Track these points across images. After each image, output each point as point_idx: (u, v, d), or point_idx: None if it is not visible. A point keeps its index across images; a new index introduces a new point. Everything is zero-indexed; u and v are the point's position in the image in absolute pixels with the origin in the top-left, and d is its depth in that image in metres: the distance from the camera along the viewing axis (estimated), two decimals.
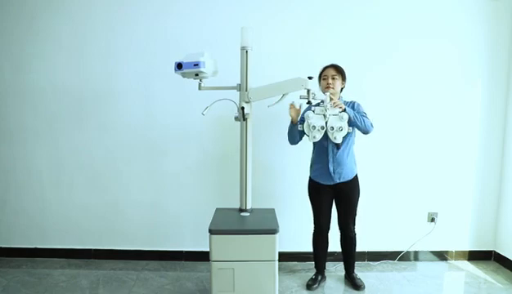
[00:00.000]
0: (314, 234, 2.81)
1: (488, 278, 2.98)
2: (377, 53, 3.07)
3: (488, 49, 3.12)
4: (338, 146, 2.54)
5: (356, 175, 2.67)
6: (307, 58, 3.03)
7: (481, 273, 3.06)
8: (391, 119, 3.14)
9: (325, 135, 2.42)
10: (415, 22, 3.07)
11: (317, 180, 2.67)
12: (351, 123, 2.42)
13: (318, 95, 2.40)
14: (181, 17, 3.04)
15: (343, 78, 2.62)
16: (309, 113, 2.37)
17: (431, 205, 3.23)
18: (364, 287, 2.76)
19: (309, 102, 2.34)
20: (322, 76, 2.62)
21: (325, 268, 2.89)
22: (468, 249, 3.29)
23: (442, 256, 3.29)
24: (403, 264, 3.21)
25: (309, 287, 2.77)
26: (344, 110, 2.39)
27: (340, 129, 2.34)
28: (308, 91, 2.31)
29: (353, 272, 2.84)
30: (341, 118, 2.34)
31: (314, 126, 2.34)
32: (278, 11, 3.04)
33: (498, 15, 3.09)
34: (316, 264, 2.86)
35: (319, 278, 2.83)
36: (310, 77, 2.31)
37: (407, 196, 3.21)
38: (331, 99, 2.40)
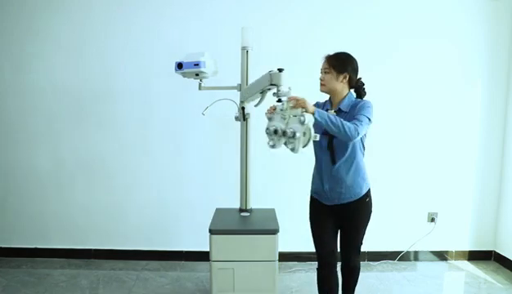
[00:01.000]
0: (318, 270, 2.14)
1: (488, 278, 2.98)
2: (377, 53, 3.07)
3: (488, 49, 3.12)
4: (333, 160, 1.98)
5: (363, 197, 2.04)
6: (307, 58, 3.02)
7: (481, 273, 3.06)
8: (391, 119, 3.13)
9: (319, 145, 1.99)
10: (415, 22, 3.07)
11: (316, 198, 2.14)
12: (319, 129, 1.87)
13: (283, 90, 1.97)
14: (181, 17, 3.04)
15: (341, 71, 1.97)
16: (274, 113, 1.91)
17: (431, 205, 3.23)
18: None
19: (279, 100, 1.94)
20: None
21: None
22: (468, 249, 3.29)
23: (442, 256, 3.29)
24: (403, 264, 3.21)
25: None
26: (313, 111, 1.78)
27: (294, 136, 1.74)
28: (277, 86, 1.95)
29: None
30: (300, 121, 1.73)
31: (268, 130, 1.87)
32: (278, 10, 3.04)
33: (498, 15, 3.09)
34: None
35: None
36: (280, 70, 1.95)
37: (407, 196, 3.21)
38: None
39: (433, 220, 3.23)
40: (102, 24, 3.05)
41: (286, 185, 3.16)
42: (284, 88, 1.95)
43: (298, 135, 1.74)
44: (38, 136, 3.14)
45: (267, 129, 1.87)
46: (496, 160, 3.22)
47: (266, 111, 1.95)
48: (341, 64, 1.99)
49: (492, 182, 3.24)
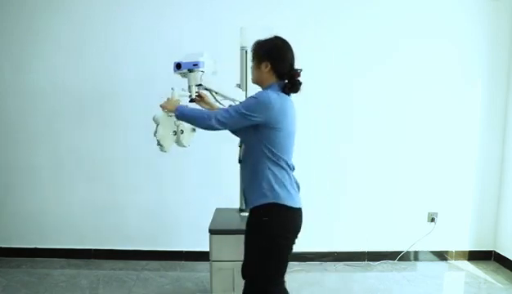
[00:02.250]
0: None
1: (488, 278, 2.97)
2: (377, 53, 3.07)
3: (488, 49, 3.12)
4: (239, 159, 1.95)
5: (258, 209, 1.70)
6: (307, 58, 3.02)
7: (481, 273, 3.06)
8: (391, 119, 3.13)
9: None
10: (415, 22, 3.07)
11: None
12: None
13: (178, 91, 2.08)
14: (181, 17, 3.04)
15: (261, 59, 1.74)
16: (162, 114, 2.01)
17: (431, 205, 3.23)
18: None
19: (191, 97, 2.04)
20: None
21: None
22: (468, 249, 3.29)
23: (442, 256, 3.28)
24: (403, 264, 3.21)
25: None
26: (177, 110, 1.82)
27: (155, 135, 1.89)
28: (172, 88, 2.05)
29: None
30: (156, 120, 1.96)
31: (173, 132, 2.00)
32: (278, 10, 3.04)
33: (498, 15, 3.09)
34: None
35: None
36: (178, 66, 2.03)
37: (407, 196, 3.21)
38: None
39: (433, 220, 3.23)
40: (102, 24, 3.05)
41: None
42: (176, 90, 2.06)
43: (158, 136, 1.94)
44: (38, 136, 3.14)
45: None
46: (496, 160, 3.22)
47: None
48: (262, 51, 1.76)
49: (492, 182, 3.24)
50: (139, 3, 3.04)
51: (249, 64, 2.32)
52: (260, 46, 1.78)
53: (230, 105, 1.80)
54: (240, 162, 1.87)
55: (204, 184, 3.16)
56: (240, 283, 2.12)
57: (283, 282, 1.81)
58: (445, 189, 3.22)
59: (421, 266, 3.19)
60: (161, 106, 1.94)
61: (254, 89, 1.99)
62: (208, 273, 2.20)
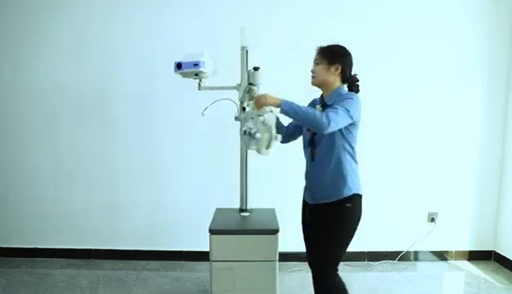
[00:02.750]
0: (312, 279, 1.98)
1: (488, 278, 2.98)
2: (377, 53, 3.07)
3: (488, 49, 3.12)
4: (312, 157, 1.90)
5: (342, 201, 1.83)
6: (307, 58, 3.02)
7: (481, 273, 3.06)
8: (391, 119, 3.13)
9: (304, 141, 1.95)
10: (415, 22, 3.07)
11: (304, 197, 2.09)
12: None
13: (256, 91, 1.97)
14: (181, 17, 3.04)
15: (333, 62, 1.87)
16: (243, 112, 1.88)
17: (431, 205, 3.23)
18: None
19: (252, 98, 1.90)
20: None
21: None
22: (468, 249, 3.29)
23: (442, 256, 3.28)
24: (403, 264, 3.21)
25: None
26: (279, 107, 1.71)
27: (254, 136, 1.71)
28: (251, 85, 1.93)
29: None
30: (262, 122, 1.72)
31: (240, 131, 1.84)
32: (278, 10, 3.04)
33: (498, 15, 3.09)
34: None
35: None
36: (256, 69, 1.91)
37: (407, 196, 3.21)
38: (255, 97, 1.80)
39: (433, 220, 3.23)
40: (102, 24, 3.05)
41: (286, 185, 3.15)
42: (256, 88, 1.91)
43: (258, 135, 1.71)
44: (38, 136, 3.14)
45: (240, 130, 1.82)
46: (496, 160, 3.22)
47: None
48: (333, 54, 1.90)
49: (492, 182, 3.24)
50: (139, 3, 3.04)
51: (250, 64, 2.35)
52: (331, 49, 1.92)
53: (334, 108, 1.74)
54: (312, 160, 1.90)
55: (204, 184, 3.15)
56: (240, 283, 2.13)
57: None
58: (445, 189, 3.22)
59: (421, 266, 3.19)
60: (259, 100, 1.74)
61: None
62: (208, 273, 2.20)
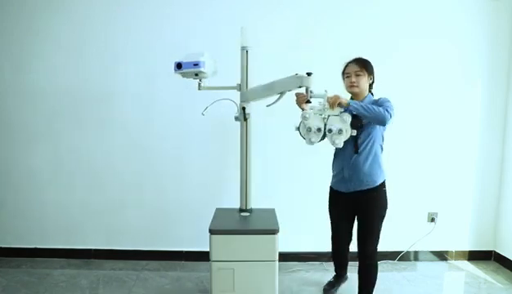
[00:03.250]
0: (333, 249, 2.60)
1: (488, 278, 2.98)
2: (377, 53, 3.05)
3: (488, 49, 3.12)
4: (356, 149, 2.22)
5: (379, 186, 2.27)
6: (307, 58, 3.03)
7: (481, 273, 3.06)
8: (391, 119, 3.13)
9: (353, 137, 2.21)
10: (415, 22, 3.07)
11: (335, 188, 2.41)
12: (359, 122, 2.15)
13: (316, 92, 2.20)
14: (181, 17, 3.04)
15: (370, 73, 2.30)
16: (306, 112, 2.16)
17: (431, 205, 3.23)
18: None
19: (308, 101, 2.16)
20: (345, 73, 2.32)
21: (346, 268, 2.74)
22: (468, 249, 3.29)
23: (442, 256, 3.29)
24: (403, 264, 3.21)
25: (325, 291, 2.66)
26: (346, 110, 2.11)
27: (340, 132, 2.08)
28: (307, 89, 2.15)
29: None
30: (342, 120, 2.09)
31: (310, 128, 2.14)
32: (278, 10, 3.04)
33: (498, 15, 3.09)
34: (334, 267, 2.73)
35: (335, 282, 2.69)
36: (309, 74, 2.13)
37: (407, 196, 3.21)
38: (329, 99, 2.14)
39: (433, 220, 3.23)
40: (102, 24, 3.05)
41: (286, 185, 3.16)
42: (317, 90, 2.18)
43: (344, 132, 2.08)
44: (38, 136, 3.14)
45: (308, 128, 2.13)
46: (496, 160, 3.22)
47: (302, 112, 2.19)
48: (370, 66, 2.31)
49: (492, 182, 3.24)
50: (139, 3, 3.03)
51: (251, 63, 2.36)
52: (368, 63, 2.31)
53: (381, 105, 2.16)
54: (356, 152, 2.24)
55: (204, 184, 3.16)
56: (240, 283, 2.13)
57: None
58: (445, 189, 3.22)
59: (421, 266, 3.19)
60: (334, 100, 2.12)
61: None
62: (208, 273, 2.20)
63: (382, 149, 2.31)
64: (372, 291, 2.38)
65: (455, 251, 3.29)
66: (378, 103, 2.19)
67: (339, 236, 2.51)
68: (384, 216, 2.30)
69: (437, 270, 3.11)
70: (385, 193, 2.30)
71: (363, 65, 2.27)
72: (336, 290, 2.68)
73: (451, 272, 3.13)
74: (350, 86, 2.27)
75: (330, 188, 2.48)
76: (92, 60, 3.07)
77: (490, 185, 3.24)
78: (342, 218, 2.44)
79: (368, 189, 2.25)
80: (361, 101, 2.21)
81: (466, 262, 3.26)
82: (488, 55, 3.13)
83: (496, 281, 2.92)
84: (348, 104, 2.10)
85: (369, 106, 2.09)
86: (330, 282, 2.71)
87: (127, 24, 3.05)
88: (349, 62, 2.31)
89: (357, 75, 2.26)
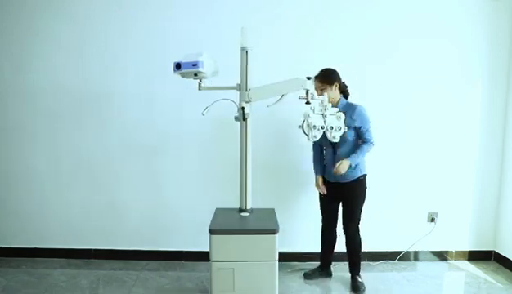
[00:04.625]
0: (321, 229, 2.90)
1: (488, 278, 2.98)
2: (377, 53, 3.07)
3: (488, 49, 3.12)
4: (334, 151, 2.63)
5: (359, 178, 2.66)
6: (307, 58, 3.03)
7: (481, 273, 3.06)
8: (391, 119, 3.13)
9: (326, 141, 2.46)
10: (415, 22, 3.07)
11: (325, 177, 2.79)
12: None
13: (317, 95, 2.39)
14: (181, 17, 3.04)
15: (332, 82, 2.57)
16: (308, 112, 2.35)
17: (431, 205, 3.23)
18: (362, 291, 2.71)
19: (308, 102, 2.33)
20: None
21: (329, 264, 2.95)
22: (468, 249, 3.29)
23: (442, 256, 3.28)
24: (403, 264, 3.21)
25: (305, 275, 2.91)
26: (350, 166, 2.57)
27: (339, 128, 2.35)
28: (307, 91, 2.31)
29: (356, 274, 2.80)
30: (338, 118, 2.35)
31: (314, 126, 2.34)
32: (278, 10, 3.04)
33: (498, 15, 3.09)
34: (320, 257, 2.94)
35: (318, 271, 2.92)
36: (309, 78, 2.30)
37: (407, 196, 3.21)
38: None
39: (433, 220, 3.23)
40: (102, 24, 3.05)
41: (286, 185, 3.16)
42: (315, 93, 2.40)
43: (342, 128, 2.33)
44: (38, 136, 3.14)
45: (313, 126, 2.32)
46: (496, 160, 3.22)
47: (304, 111, 2.35)
48: (329, 76, 2.58)
49: (492, 182, 3.24)
50: (139, 4, 3.04)
51: (250, 64, 2.36)
52: (325, 74, 2.59)
53: (363, 130, 2.62)
54: (335, 153, 2.65)
55: (204, 184, 3.16)
56: (240, 283, 2.13)
57: None
58: (445, 189, 3.22)
59: (421, 266, 3.19)
60: (340, 169, 2.55)
61: None
62: (208, 273, 2.20)
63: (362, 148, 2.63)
64: (359, 254, 2.79)
65: (455, 251, 3.29)
66: (356, 113, 2.56)
67: (325, 214, 2.86)
68: (363, 199, 2.71)
69: (437, 270, 3.11)
70: (362, 184, 2.68)
71: (322, 80, 2.56)
72: (317, 278, 2.90)
73: (451, 272, 3.13)
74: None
75: (322, 177, 2.82)
76: (91, 59, 3.07)
77: (490, 185, 3.24)
78: (328, 201, 2.81)
79: (349, 181, 2.65)
80: (337, 106, 2.54)
81: (466, 262, 3.26)
82: (488, 55, 3.13)
83: (496, 281, 2.92)
84: (351, 165, 2.57)
85: (362, 152, 2.58)
86: (313, 269, 2.96)
87: (127, 25, 3.05)
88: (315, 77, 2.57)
89: (322, 89, 2.54)
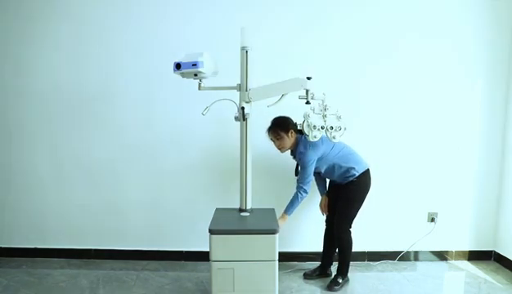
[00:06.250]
0: (325, 229, 2.93)
1: (488, 278, 2.97)
2: (377, 53, 3.07)
3: (488, 49, 3.12)
4: (318, 173, 2.72)
5: (353, 180, 2.66)
6: (306, 58, 3.03)
7: (481, 273, 3.06)
8: (391, 119, 3.13)
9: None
10: (415, 21, 3.07)
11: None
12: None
13: (317, 95, 2.38)
14: (181, 17, 3.04)
15: (287, 129, 2.58)
16: (308, 112, 2.38)
17: (431, 205, 3.23)
18: (334, 291, 2.70)
19: (308, 102, 2.35)
20: None
21: (329, 264, 2.95)
22: (468, 249, 3.29)
23: (442, 256, 3.28)
24: (403, 264, 3.21)
25: (305, 275, 2.92)
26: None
27: (339, 128, 2.37)
28: (307, 91, 2.33)
29: (340, 274, 2.77)
30: (339, 118, 2.37)
31: (314, 126, 2.37)
32: (278, 10, 3.04)
33: (498, 15, 3.09)
34: (321, 257, 2.96)
35: (317, 272, 2.92)
36: (309, 78, 2.31)
37: (407, 196, 3.21)
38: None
39: (433, 220, 3.23)
40: (102, 24, 3.05)
41: (286, 185, 3.15)
42: (316, 91, 2.38)
43: (342, 128, 2.37)
44: (38, 136, 3.14)
45: (313, 126, 2.36)
46: (496, 160, 3.22)
47: (305, 111, 2.38)
48: (282, 125, 2.59)
49: (492, 182, 3.24)
50: (139, 4, 3.04)
51: (250, 66, 2.36)
52: (278, 123, 2.61)
53: (300, 168, 2.65)
54: (319, 174, 2.80)
55: (204, 184, 3.16)
56: (240, 283, 2.13)
57: None
58: (445, 189, 3.22)
59: (421, 266, 3.19)
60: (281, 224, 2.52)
61: None
62: (208, 274, 2.20)
63: (344, 159, 2.66)
64: (346, 255, 2.77)
65: (455, 251, 3.29)
66: (297, 156, 2.63)
67: (329, 214, 2.89)
68: (355, 205, 2.71)
69: (437, 270, 3.11)
70: (359, 185, 2.68)
71: (276, 130, 2.59)
72: (316, 277, 2.89)
73: (451, 272, 3.13)
74: (279, 149, 2.66)
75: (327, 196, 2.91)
76: (91, 60, 3.07)
77: (490, 185, 3.24)
78: (331, 202, 2.85)
79: (343, 183, 2.69)
80: (296, 150, 2.64)
81: (466, 262, 3.26)
82: (488, 55, 3.13)
83: (496, 281, 2.92)
84: (285, 218, 2.62)
85: (292, 208, 2.61)
86: (313, 269, 2.95)
87: (127, 25, 3.05)
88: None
89: (277, 139, 2.60)
